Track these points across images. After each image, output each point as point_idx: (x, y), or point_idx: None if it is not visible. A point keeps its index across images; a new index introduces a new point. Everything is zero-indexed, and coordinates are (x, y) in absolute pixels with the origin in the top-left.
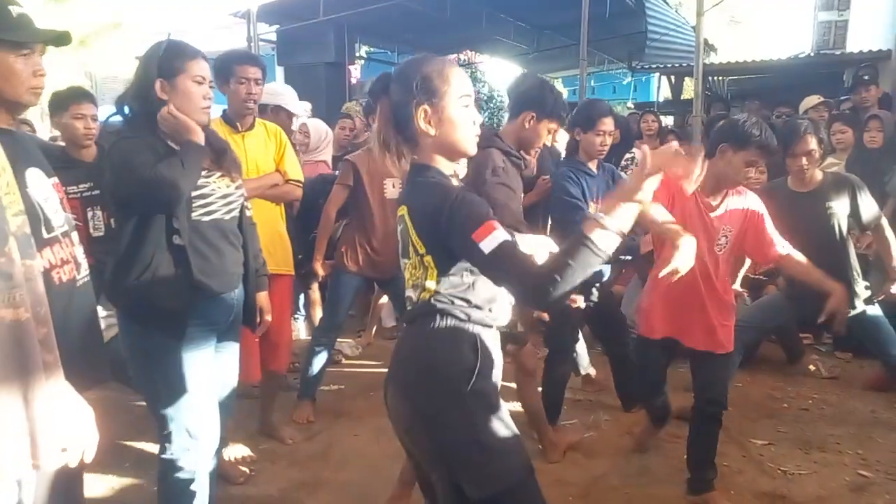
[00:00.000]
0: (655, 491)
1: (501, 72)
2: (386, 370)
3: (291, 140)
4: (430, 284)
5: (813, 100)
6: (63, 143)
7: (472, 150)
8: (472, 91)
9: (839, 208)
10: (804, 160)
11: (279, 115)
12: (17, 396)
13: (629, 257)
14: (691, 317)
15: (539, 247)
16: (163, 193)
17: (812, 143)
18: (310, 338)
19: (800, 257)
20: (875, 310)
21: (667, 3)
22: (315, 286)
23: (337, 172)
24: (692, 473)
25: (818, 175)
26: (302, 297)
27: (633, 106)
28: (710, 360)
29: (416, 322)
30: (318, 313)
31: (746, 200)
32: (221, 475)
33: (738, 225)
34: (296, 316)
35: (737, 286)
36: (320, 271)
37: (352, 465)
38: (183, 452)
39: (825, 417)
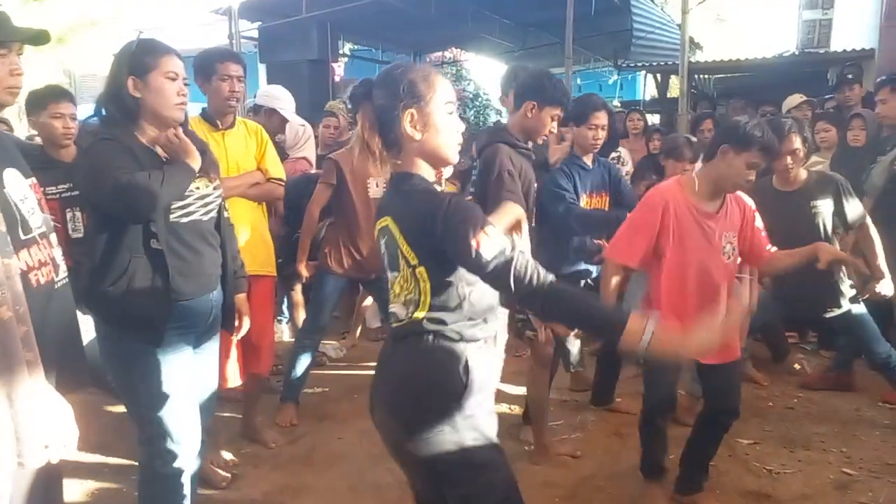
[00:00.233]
0: (642, 491)
1: (487, 70)
2: (371, 372)
3: (274, 140)
4: (422, 309)
5: (795, 99)
6: (41, 143)
7: (454, 157)
8: (455, 99)
9: (824, 207)
10: (789, 159)
11: (272, 118)
12: (0, 394)
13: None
14: None
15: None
16: (137, 203)
17: (796, 141)
18: (293, 340)
19: (782, 251)
20: (860, 308)
21: (652, 1)
22: (298, 287)
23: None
24: (685, 474)
25: (803, 174)
26: (285, 298)
27: (619, 104)
28: (722, 369)
29: (405, 341)
30: (301, 315)
31: (738, 199)
32: (203, 479)
33: (739, 226)
34: (279, 318)
35: None
36: (304, 273)
37: (336, 468)
38: (163, 457)
39: (810, 416)
